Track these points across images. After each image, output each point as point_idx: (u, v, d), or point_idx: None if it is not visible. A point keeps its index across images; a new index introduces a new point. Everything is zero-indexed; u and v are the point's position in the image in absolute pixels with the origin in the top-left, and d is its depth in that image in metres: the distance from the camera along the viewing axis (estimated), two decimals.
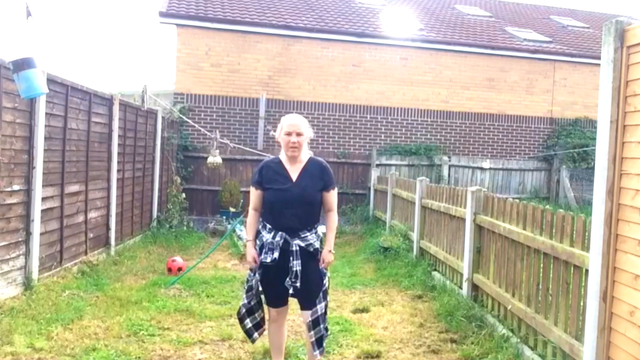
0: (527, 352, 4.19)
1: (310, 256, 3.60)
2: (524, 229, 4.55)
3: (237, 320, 3.91)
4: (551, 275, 4.07)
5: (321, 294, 3.65)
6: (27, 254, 5.54)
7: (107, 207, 7.75)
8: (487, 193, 5.58)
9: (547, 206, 4.41)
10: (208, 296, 6.03)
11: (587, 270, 3.47)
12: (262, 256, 3.57)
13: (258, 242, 3.66)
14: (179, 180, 11.04)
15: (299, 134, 3.62)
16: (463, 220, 5.89)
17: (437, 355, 4.49)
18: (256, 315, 3.76)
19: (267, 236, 3.59)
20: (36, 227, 5.63)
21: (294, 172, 3.65)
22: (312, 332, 3.65)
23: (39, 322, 4.68)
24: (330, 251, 3.68)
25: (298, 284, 3.52)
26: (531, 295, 4.38)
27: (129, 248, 8.30)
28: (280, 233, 3.55)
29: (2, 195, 5.11)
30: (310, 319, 3.63)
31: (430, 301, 5.94)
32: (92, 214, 7.21)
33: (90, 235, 7.18)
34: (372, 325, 5.20)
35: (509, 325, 4.68)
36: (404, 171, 13.27)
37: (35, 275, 5.59)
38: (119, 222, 8.19)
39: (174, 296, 5.98)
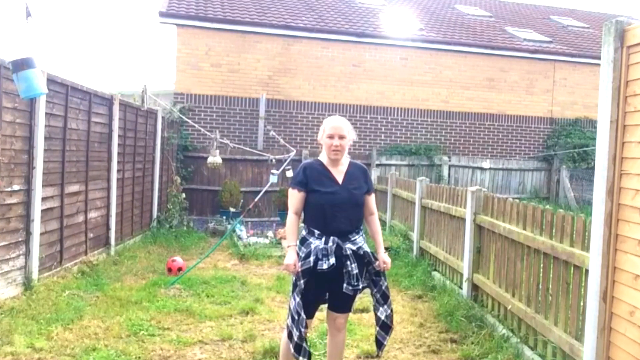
0: (527, 352, 4.19)
1: (361, 259, 3.49)
2: (524, 229, 4.55)
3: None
4: (551, 275, 4.07)
5: (384, 296, 3.58)
6: (27, 254, 5.54)
7: (107, 207, 7.75)
8: (487, 193, 5.58)
9: (547, 206, 4.41)
10: (208, 296, 6.03)
11: (587, 270, 3.47)
12: (318, 263, 3.36)
13: (304, 248, 3.44)
14: (179, 180, 11.04)
15: (341, 137, 3.52)
16: (463, 220, 5.89)
17: (437, 355, 4.49)
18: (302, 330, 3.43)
19: (316, 242, 3.42)
20: (36, 227, 5.63)
21: (338, 175, 3.56)
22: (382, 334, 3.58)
23: (39, 322, 4.68)
24: (385, 253, 3.63)
25: (360, 286, 3.46)
26: (531, 295, 4.38)
27: (129, 248, 8.30)
28: (332, 238, 3.42)
29: (2, 195, 5.11)
30: (343, 322, 3.59)
31: (430, 301, 5.94)
32: (92, 214, 7.21)
33: (90, 235, 7.18)
34: (372, 325, 5.17)
35: (509, 325, 4.68)
36: (404, 171, 13.27)
37: (35, 275, 5.59)
38: (119, 222, 8.19)
39: (174, 296, 5.98)
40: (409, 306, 5.84)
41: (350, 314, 5.47)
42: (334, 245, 3.42)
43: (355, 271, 3.43)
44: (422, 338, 4.87)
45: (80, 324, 4.80)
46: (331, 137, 3.52)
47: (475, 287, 5.54)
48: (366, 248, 3.55)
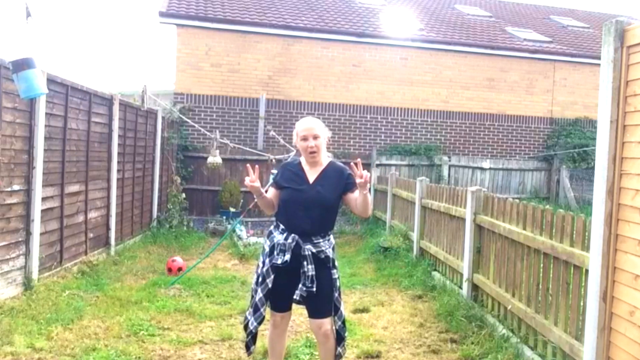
0: (527, 352, 4.19)
1: (322, 263, 3.46)
2: (524, 229, 4.55)
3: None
4: (551, 275, 4.07)
5: (334, 307, 3.52)
6: (27, 254, 5.54)
7: (107, 207, 7.75)
8: (487, 193, 5.58)
9: (547, 206, 4.41)
10: (208, 296, 6.03)
11: (587, 270, 3.47)
12: (274, 257, 3.44)
13: (269, 242, 3.54)
14: (179, 180, 11.04)
15: (315, 137, 3.49)
16: (463, 220, 5.89)
17: (437, 355, 4.49)
18: (261, 310, 3.53)
19: (278, 237, 3.49)
20: (36, 227, 5.63)
21: (311, 175, 3.55)
22: (332, 345, 3.53)
23: (39, 322, 4.68)
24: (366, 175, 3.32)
25: (314, 289, 3.37)
26: (531, 295, 4.38)
27: (129, 248, 8.30)
28: (292, 235, 3.43)
29: (2, 195, 5.11)
30: (328, 329, 3.51)
31: (430, 301, 5.94)
32: (92, 214, 7.21)
33: (90, 235, 7.18)
34: (372, 325, 5.20)
35: (509, 325, 4.68)
36: (404, 171, 13.27)
37: (35, 275, 5.59)
38: (119, 222, 8.19)
39: (174, 296, 5.98)
40: (409, 306, 5.84)
41: (350, 314, 5.52)
42: (293, 243, 3.42)
43: (311, 273, 3.37)
44: (422, 338, 4.87)
45: (80, 324, 4.80)
46: (305, 138, 3.50)
47: (475, 287, 5.54)
48: (329, 254, 3.50)
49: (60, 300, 5.33)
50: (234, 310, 5.51)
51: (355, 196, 3.48)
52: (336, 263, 3.61)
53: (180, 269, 6.97)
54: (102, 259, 7.33)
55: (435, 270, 6.97)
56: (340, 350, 3.59)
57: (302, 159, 3.62)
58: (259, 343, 4.50)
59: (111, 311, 5.24)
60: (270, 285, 3.45)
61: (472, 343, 4.56)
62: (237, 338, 4.70)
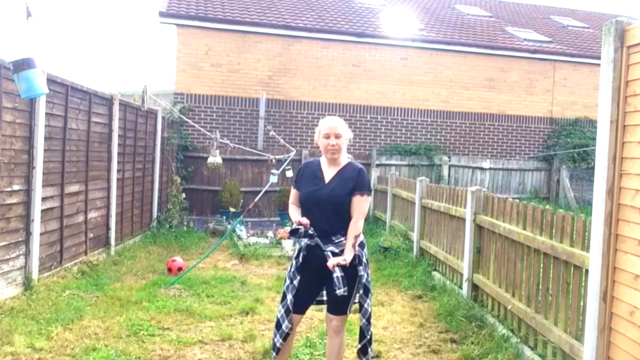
0: (527, 352, 4.19)
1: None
2: (524, 229, 4.55)
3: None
4: (551, 275, 4.07)
5: (359, 305, 3.58)
6: (27, 254, 5.54)
7: (107, 207, 7.75)
8: (487, 193, 5.58)
9: (547, 206, 4.41)
10: (208, 296, 6.03)
11: (587, 270, 3.47)
12: (299, 260, 3.49)
13: (297, 245, 3.60)
14: (179, 180, 11.04)
15: (337, 136, 3.54)
16: (463, 220, 5.89)
17: (437, 355, 4.49)
18: (292, 313, 3.54)
19: (304, 239, 3.52)
20: (36, 227, 5.63)
21: (329, 174, 3.59)
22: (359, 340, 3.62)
23: (39, 322, 4.68)
24: (344, 259, 3.34)
25: (343, 291, 3.35)
26: (531, 295, 4.38)
27: (129, 248, 8.30)
28: (315, 238, 3.46)
29: (2, 195, 5.11)
30: (339, 326, 3.57)
31: (430, 301, 5.94)
32: (92, 214, 7.21)
33: (90, 235, 7.18)
34: (372, 326, 5.19)
35: (509, 325, 4.68)
36: (404, 171, 13.27)
37: (35, 275, 5.59)
38: (119, 222, 8.19)
39: (174, 296, 5.98)
40: (409, 306, 5.84)
41: (350, 314, 5.51)
42: (313, 244, 3.46)
43: (339, 274, 3.34)
44: (422, 338, 4.87)
45: (80, 324, 4.80)
46: (327, 137, 3.55)
47: (475, 287, 5.54)
48: (356, 251, 3.50)
49: (60, 300, 5.32)
50: (234, 310, 5.51)
51: (355, 201, 3.50)
52: (364, 259, 3.57)
53: (180, 269, 6.97)
54: (102, 259, 7.33)
55: (435, 270, 6.97)
56: (370, 351, 3.64)
57: (322, 158, 3.67)
58: (259, 343, 4.52)
59: (111, 311, 5.24)
60: (297, 286, 3.51)
61: (472, 343, 4.56)
62: (237, 338, 4.70)
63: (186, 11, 12.91)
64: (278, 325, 3.53)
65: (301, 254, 3.51)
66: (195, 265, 7.03)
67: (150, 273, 7.07)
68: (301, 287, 3.51)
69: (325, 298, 3.62)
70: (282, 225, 10.51)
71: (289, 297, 3.52)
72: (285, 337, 3.52)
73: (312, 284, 3.55)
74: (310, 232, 3.45)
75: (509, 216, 4.88)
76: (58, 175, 6.22)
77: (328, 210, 3.48)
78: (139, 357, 4.21)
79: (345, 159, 3.65)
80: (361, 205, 3.52)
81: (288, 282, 3.56)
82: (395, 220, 9.58)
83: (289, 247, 8.55)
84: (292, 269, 3.55)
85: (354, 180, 3.53)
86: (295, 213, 3.63)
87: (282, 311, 3.53)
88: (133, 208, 8.89)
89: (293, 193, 3.72)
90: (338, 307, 3.52)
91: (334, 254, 3.41)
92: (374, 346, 4.58)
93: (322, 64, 13.53)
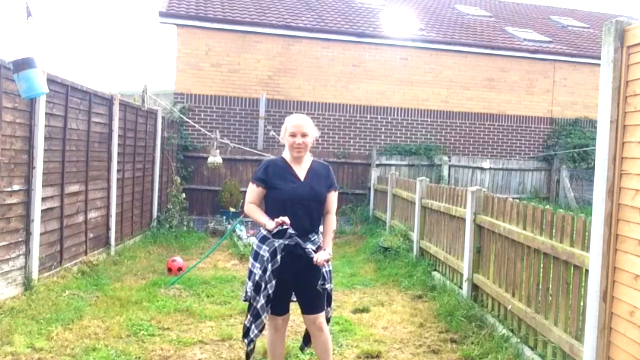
0: (527, 352, 4.19)
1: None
2: (524, 229, 4.55)
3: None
4: (551, 275, 4.07)
5: (326, 300, 3.58)
6: (27, 254, 5.54)
7: (107, 207, 7.75)
8: (487, 193, 5.58)
9: (547, 206, 4.41)
10: (208, 296, 6.03)
11: (587, 270, 3.47)
12: (276, 262, 3.40)
13: (267, 247, 3.42)
14: (179, 180, 11.04)
15: (304, 135, 3.52)
16: (463, 220, 5.89)
17: (437, 355, 4.49)
18: (262, 317, 3.51)
19: (278, 240, 3.41)
20: (36, 227, 5.63)
21: (300, 172, 3.57)
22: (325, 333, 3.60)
23: (39, 322, 4.68)
24: (329, 253, 3.47)
25: (327, 286, 3.47)
26: (531, 295, 4.38)
27: (129, 248, 8.30)
28: (293, 237, 3.39)
29: (2, 195, 5.11)
30: (322, 322, 3.56)
31: (430, 301, 5.94)
32: (92, 214, 7.21)
33: (90, 235, 7.18)
34: (372, 325, 5.20)
35: (509, 325, 4.68)
36: (404, 171, 13.27)
37: (35, 275, 5.59)
38: (119, 222, 8.19)
39: (174, 296, 5.98)
40: (409, 306, 5.84)
41: (350, 314, 5.52)
42: (293, 243, 3.41)
43: (327, 269, 3.47)
44: (422, 338, 4.87)
45: (80, 324, 4.80)
46: (293, 135, 3.54)
47: (475, 287, 5.54)
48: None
49: (60, 300, 5.33)
50: (234, 310, 5.51)
51: (330, 197, 3.60)
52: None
53: (180, 269, 6.97)
54: (102, 259, 7.33)
55: (435, 270, 6.97)
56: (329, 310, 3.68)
57: (286, 156, 3.64)
58: (258, 343, 4.51)
59: (111, 311, 5.24)
60: (271, 291, 3.42)
61: (472, 343, 4.56)
62: (237, 338, 4.70)
63: (186, 11, 12.91)
64: (256, 316, 3.47)
65: (278, 256, 3.41)
66: (195, 265, 7.03)
67: (150, 273, 7.07)
68: (279, 290, 3.45)
69: (295, 299, 3.60)
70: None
71: (263, 302, 3.43)
72: (262, 329, 3.54)
73: (288, 284, 3.51)
74: (291, 231, 3.38)
75: (509, 216, 4.88)
76: (58, 175, 6.22)
77: (311, 207, 3.49)
78: (139, 357, 4.21)
79: (309, 157, 3.66)
80: (335, 201, 3.66)
81: (263, 285, 3.41)
82: (395, 220, 9.58)
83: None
84: (267, 273, 3.39)
85: (327, 177, 3.62)
86: (260, 213, 3.51)
87: (251, 318, 3.49)
88: (133, 208, 8.89)
89: (256, 192, 3.54)
90: (315, 305, 3.53)
91: (314, 251, 3.43)
92: (375, 346, 4.60)
93: (322, 64, 13.53)
